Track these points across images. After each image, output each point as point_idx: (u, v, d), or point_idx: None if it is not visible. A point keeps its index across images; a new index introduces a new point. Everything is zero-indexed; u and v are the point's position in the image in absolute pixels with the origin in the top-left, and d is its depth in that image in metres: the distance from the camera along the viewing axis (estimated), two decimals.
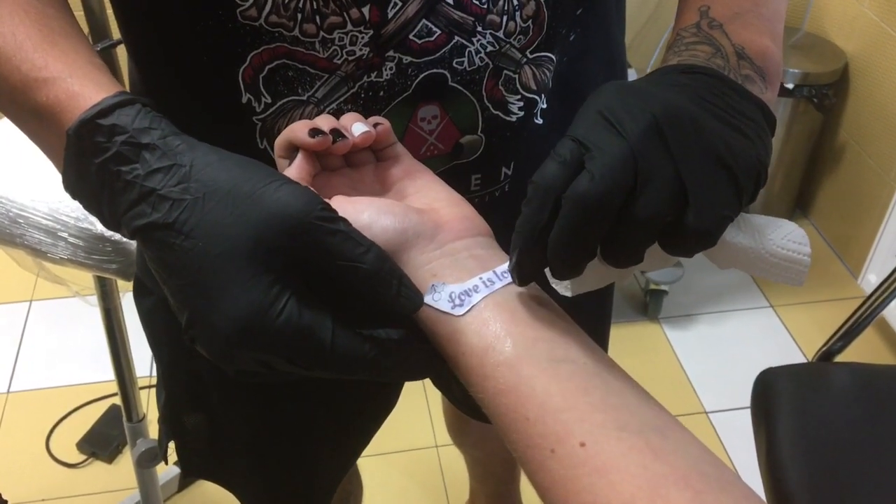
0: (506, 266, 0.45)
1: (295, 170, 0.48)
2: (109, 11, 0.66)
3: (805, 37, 2.15)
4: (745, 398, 1.14)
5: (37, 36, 0.47)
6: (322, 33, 0.53)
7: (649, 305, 1.99)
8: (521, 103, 0.61)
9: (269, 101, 0.57)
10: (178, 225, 0.41)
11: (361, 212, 0.45)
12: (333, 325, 0.41)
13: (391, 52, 0.55)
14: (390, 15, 0.53)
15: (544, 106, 0.63)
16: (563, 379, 0.40)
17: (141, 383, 1.33)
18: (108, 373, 1.30)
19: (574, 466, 0.37)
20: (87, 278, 1.17)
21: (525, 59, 0.59)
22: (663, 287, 1.96)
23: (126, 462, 1.67)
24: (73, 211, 1.02)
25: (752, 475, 1.00)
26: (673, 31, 0.55)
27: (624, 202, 0.40)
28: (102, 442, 1.70)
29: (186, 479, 1.60)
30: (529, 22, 0.57)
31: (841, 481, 0.99)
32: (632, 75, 1.70)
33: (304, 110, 0.57)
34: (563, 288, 0.46)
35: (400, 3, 0.53)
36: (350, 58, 0.55)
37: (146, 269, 0.71)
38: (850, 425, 1.05)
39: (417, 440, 1.72)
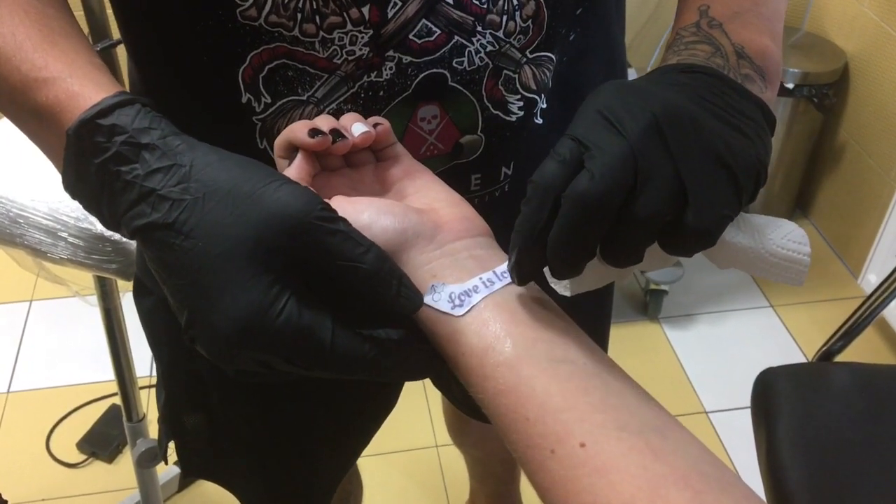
0: (505, 266, 0.45)
1: (295, 170, 0.48)
2: (109, 11, 0.66)
3: (805, 36, 2.15)
4: (745, 398, 1.14)
5: (37, 36, 0.47)
6: (322, 33, 0.53)
7: (649, 305, 1.99)
8: (521, 103, 0.61)
9: (269, 101, 0.57)
10: (177, 225, 0.41)
11: (361, 212, 0.45)
12: (333, 325, 0.41)
13: (391, 52, 0.55)
14: (390, 15, 0.53)
15: (544, 106, 0.63)
16: (563, 379, 0.40)
17: (141, 383, 1.33)
18: (108, 373, 1.30)
19: (574, 467, 0.37)
20: (87, 278, 1.17)
21: (525, 59, 0.59)
22: (663, 287, 1.96)
23: (126, 462, 1.67)
24: (73, 211, 1.02)
25: (752, 475, 1.00)
26: (672, 30, 0.55)
27: (624, 201, 0.40)
28: (102, 442, 1.70)
29: (186, 479, 1.60)
30: (529, 22, 0.57)
31: (841, 481, 0.99)
32: (632, 75, 1.70)
33: (303, 110, 0.57)
34: (563, 288, 0.46)
35: (400, 3, 0.53)
36: (350, 58, 0.55)
37: (146, 269, 0.71)
38: (850, 425, 1.05)
39: (417, 440, 1.72)
